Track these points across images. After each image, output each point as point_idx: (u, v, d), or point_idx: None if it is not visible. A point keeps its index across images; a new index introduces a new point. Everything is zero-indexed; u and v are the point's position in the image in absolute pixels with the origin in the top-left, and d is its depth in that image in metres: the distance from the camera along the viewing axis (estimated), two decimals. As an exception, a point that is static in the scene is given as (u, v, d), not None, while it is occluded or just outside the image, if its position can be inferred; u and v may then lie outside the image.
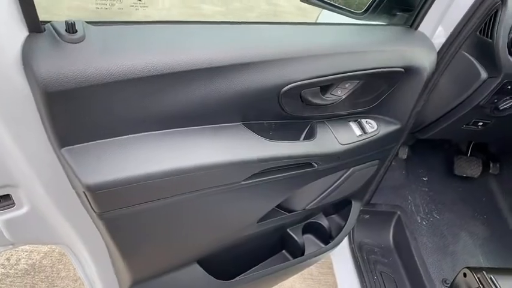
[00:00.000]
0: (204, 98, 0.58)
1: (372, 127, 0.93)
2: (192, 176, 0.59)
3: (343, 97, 0.82)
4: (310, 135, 0.82)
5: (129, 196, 0.57)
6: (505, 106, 1.06)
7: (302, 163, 0.82)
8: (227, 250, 0.91)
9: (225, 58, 0.57)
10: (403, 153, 1.55)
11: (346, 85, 0.81)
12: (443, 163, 1.67)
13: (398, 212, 1.47)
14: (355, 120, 0.93)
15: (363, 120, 0.94)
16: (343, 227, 1.24)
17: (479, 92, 1.05)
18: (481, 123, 1.16)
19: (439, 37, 1.00)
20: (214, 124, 0.63)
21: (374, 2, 0.97)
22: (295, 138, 0.83)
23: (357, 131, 0.91)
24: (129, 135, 0.55)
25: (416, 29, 0.96)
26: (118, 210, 0.59)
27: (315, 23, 0.81)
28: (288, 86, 0.66)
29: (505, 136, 1.25)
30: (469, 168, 1.61)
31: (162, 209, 0.64)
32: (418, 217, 1.54)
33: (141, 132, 0.56)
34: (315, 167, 0.84)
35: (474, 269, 1.10)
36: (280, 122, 0.77)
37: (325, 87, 0.79)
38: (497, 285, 0.99)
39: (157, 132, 0.57)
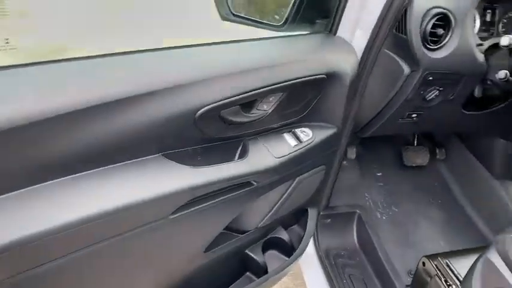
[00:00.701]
0: (107, 135, 0.55)
1: (307, 135, 0.94)
2: (106, 221, 0.55)
3: (270, 111, 0.82)
4: (243, 154, 0.81)
5: (23, 259, 0.51)
6: (431, 96, 1.11)
7: (239, 183, 0.80)
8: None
9: (121, 91, 0.54)
10: (352, 153, 1.58)
11: (270, 99, 0.81)
12: (394, 156, 1.72)
13: (358, 211, 1.48)
14: (290, 131, 0.93)
15: (298, 130, 0.94)
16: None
17: (405, 86, 1.09)
18: (414, 115, 1.20)
19: (361, 39, 1.03)
20: (128, 160, 0.60)
21: (291, 13, 0.99)
22: (230, 158, 0.81)
23: (292, 142, 0.90)
24: (21, 190, 0.51)
25: (335, 34, 0.99)
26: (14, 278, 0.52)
27: (233, 41, 0.81)
28: (203, 109, 0.65)
29: (440, 123, 1.30)
30: (418, 157, 1.67)
31: (72, 267, 0.58)
32: (377, 213, 1.56)
33: (37, 183, 0.52)
34: (254, 185, 0.83)
35: (431, 257, 1.12)
36: (207, 145, 0.75)
37: (250, 103, 0.78)
38: (452, 268, 1.02)
39: (57, 180, 0.53)
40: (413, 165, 1.67)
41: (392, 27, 1.02)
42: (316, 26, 1.02)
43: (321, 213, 1.41)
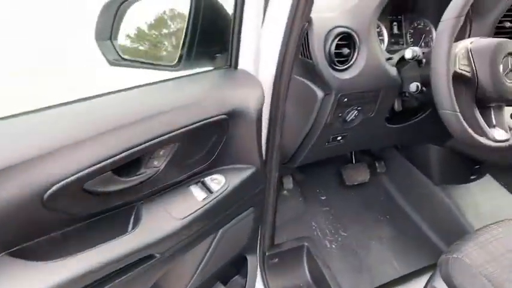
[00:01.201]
0: None
1: (219, 183, 0.82)
2: None
3: (163, 167, 0.70)
4: (135, 223, 0.68)
5: None
6: (351, 117, 1.05)
7: (136, 260, 0.66)
8: None
9: None
10: (288, 183, 1.50)
11: (161, 152, 0.69)
12: (335, 176, 1.66)
13: (306, 244, 1.38)
14: (197, 182, 0.81)
15: (208, 179, 0.82)
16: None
17: (322, 110, 1.02)
18: (339, 138, 1.14)
19: (267, 69, 0.96)
20: None
21: (184, 50, 0.89)
22: (122, 231, 0.67)
23: (201, 195, 0.79)
24: None
25: (236, 68, 0.90)
26: None
27: (108, 93, 0.69)
28: (53, 188, 0.51)
29: (368, 140, 1.26)
30: (358, 174, 1.62)
31: None
32: (326, 241, 1.47)
33: None
34: (156, 257, 0.70)
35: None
36: (86, 223, 0.61)
37: (134, 162, 0.66)
38: None
39: None
40: (355, 183, 1.62)
41: (298, 53, 0.96)
42: (217, 61, 0.93)
43: (267, 253, 1.29)
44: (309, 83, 1.02)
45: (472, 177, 1.52)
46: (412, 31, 1.20)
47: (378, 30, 1.15)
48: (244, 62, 0.91)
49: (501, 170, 1.55)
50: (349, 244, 1.47)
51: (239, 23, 0.84)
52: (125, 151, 0.60)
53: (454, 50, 0.83)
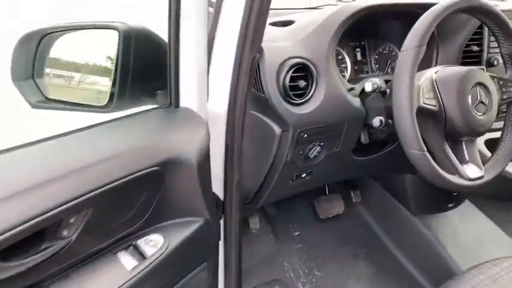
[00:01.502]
0: None
1: (156, 245, 0.70)
2: None
3: (75, 237, 0.57)
4: None
5: None
6: (314, 154, 0.95)
7: None
8: None
9: None
10: (255, 223, 1.38)
11: (71, 220, 0.57)
12: (309, 210, 1.55)
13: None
14: (129, 246, 0.68)
15: (141, 241, 0.70)
16: None
17: (281, 148, 0.92)
18: (304, 175, 1.03)
19: (216, 106, 0.86)
20: None
21: (116, 87, 0.78)
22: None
23: (131, 263, 0.66)
24: None
25: (177, 106, 0.80)
26: None
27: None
28: None
29: (336, 174, 1.16)
30: (332, 206, 1.52)
31: None
32: (299, 284, 1.35)
33: None
34: None
35: None
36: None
37: (38, 233, 0.53)
38: None
39: None
40: (330, 216, 1.51)
41: (250, 86, 0.86)
42: (158, 99, 0.83)
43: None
44: (265, 118, 0.92)
45: (449, 205, 1.44)
46: (377, 57, 1.13)
47: (340, 57, 1.07)
48: (188, 98, 0.80)
49: (480, 194, 1.48)
50: (325, 285, 1.35)
51: (175, 54, 0.74)
52: (16, 227, 0.48)
53: (418, 82, 0.75)
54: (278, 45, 0.88)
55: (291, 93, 0.86)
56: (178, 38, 0.73)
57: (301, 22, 0.99)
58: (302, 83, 0.86)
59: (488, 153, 1.14)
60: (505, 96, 0.85)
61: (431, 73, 0.78)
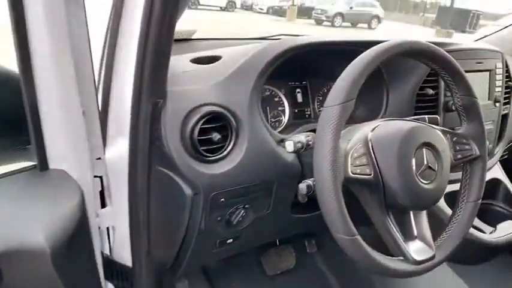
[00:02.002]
0: None
1: None
2: None
3: None
4: None
5: None
6: (237, 219, 0.78)
7: None
8: None
9: None
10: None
11: None
12: (255, 266, 1.36)
13: None
14: None
15: None
16: None
17: (194, 213, 0.75)
18: (230, 240, 0.86)
19: (120, 159, 0.69)
20: None
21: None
22: None
23: None
24: None
25: (45, 168, 0.61)
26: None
27: None
28: None
29: (271, 234, 1.00)
30: (281, 260, 1.33)
31: None
32: None
33: None
34: None
35: None
36: None
37: None
38: None
39: None
40: (279, 272, 1.32)
41: (153, 139, 0.69)
42: (20, 158, 0.64)
43: None
44: (175, 177, 0.74)
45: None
46: (321, 99, 0.99)
47: (277, 99, 0.92)
48: (60, 157, 0.62)
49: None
50: None
51: (30, 99, 0.56)
52: None
53: (346, 145, 0.60)
54: (188, 89, 0.72)
55: (202, 148, 0.69)
56: (32, 78, 0.55)
57: (227, 59, 0.84)
58: (216, 136, 0.70)
59: (448, 211, 1.01)
60: (459, 156, 0.70)
61: (366, 131, 0.63)
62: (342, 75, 0.58)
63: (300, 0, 16.67)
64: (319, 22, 14.21)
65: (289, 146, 0.69)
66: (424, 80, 0.94)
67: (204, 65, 0.83)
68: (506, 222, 1.02)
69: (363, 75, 0.57)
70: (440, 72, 0.69)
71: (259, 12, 16.23)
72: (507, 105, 1.16)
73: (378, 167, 0.60)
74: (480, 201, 0.74)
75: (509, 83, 1.13)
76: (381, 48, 0.60)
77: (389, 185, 0.61)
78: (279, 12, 15.50)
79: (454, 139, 0.71)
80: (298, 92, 0.96)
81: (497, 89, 1.08)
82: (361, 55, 0.59)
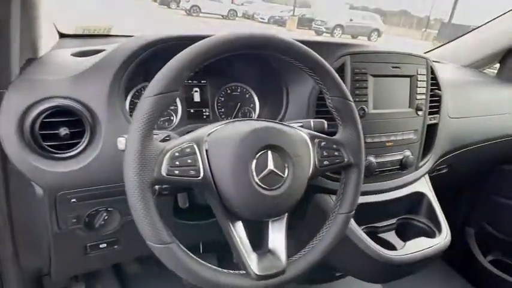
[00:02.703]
0: None
1: None
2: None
3: None
4: None
5: None
6: (100, 222, 0.73)
7: None
8: None
9: None
10: None
11: None
12: (176, 275, 1.29)
13: None
14: None
15: None
16: None
17: (46, 214, 0.69)
18: (104, 245, 0.80)
19: None
20: None
21: None
22: None
23: None
24: None
25: None
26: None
27: None
28: None
29: None
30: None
31: None
32: None
33: None
34: None
35: None
36: None
37: None
38: None
39: None
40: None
41: None
42: None
43: None
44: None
45: (337, 274, 1.22)
46: (222, 99, 0.93)
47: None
48: None
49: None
50: None
51: None
52: None
53: (165, 145, 0.53)
54: (38, 79, 0.67)
55: (48, 144, 0.64)
56: None
57: (109, 51, 0.79)
58: (63, 131, 0.64)
59: None
60: (325, 162, 0.64)
61: (204, 131, 0.57)
62: (167, 64, 0.53)
63: (300, 11, 16.76)
64: (319, 33, 14.25)
65: (120, 143, 0.64)
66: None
67: (77, 58, 0.78)
68: (417, 240, 0.95)
69: (185, 68, 0.52)
70: (305, 70, 0.63)
71: (261, 22, 16.32)
72: (436, 115, 1.10)
73: (211, 169, 0.54)
74: (352, 213, 0.68)
75: (437, 91, 1.07)
76: (220, 38, 0.54)
77: (223, 190, 0.55)
78: (279, 22, 15.60)
79: (323, 144, 0.65)
80: (196, 91, 0.91)
81: (419, 97, 1.02)
82: (192, 46, 0.54)
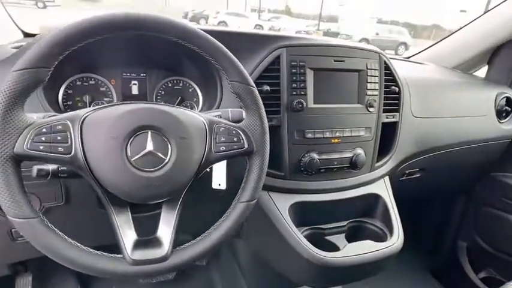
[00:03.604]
0: None
1: None
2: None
3: None
4: None
5: None
6: None
7: None
8: None
9: None
10: None
11: None
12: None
13: None
14: None
15: None
16: None
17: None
18: None
19: None
20: None
21: None
22: None
23: None
24: None
25: None
26: None
27: None
28: None
29: None
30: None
31: None
32: None
33: None
34: None
35: None
36: None
37: None
38: None
39: None
40: (156, 280, 1.24)
41: None
42: None
43: None
44: None
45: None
46: (162, 93, 0.94)
47: (103, 89, 0.89)
48: None
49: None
50: None
51: None
52: None
53: (36, 121, 0.54)
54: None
55: None
56: None
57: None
58: None
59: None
60: (222, 148, 0.62)
61: (79, 112, 0.56)
62: (41, 40, 0.53)
63: (327, 25, 16.78)
64: (344, 47, 14.13)
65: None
66: (260, 75, 0.87)
67: (13, 49, 0.81)
68: (362, 242, 0.89)
69: (55, 45, 0.52)
70: (203, 54, 0.62)
71: (286, 37, 16.45)
72: (395, 113, 1.04)
73: (83, 148, 0.54)
74: (253, 202, 0.65)
75: (394, 87, 1.02)
76: (87, 21, 0.54)
77: (97, 171, 0.54)
78: (305, 36, 15.65)
79: (221, 130, 0.63)
80: (134, 84, 0.92)
81: (370, 92, 0.97)
82: (68, 24, 0.54)
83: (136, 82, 0.92)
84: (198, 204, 0.78)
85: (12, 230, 0.80)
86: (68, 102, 0.86)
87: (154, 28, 0.57)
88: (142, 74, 0.92)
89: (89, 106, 0.86)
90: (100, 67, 0.88)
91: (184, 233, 0.65)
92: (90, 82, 0.88)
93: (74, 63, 0.84)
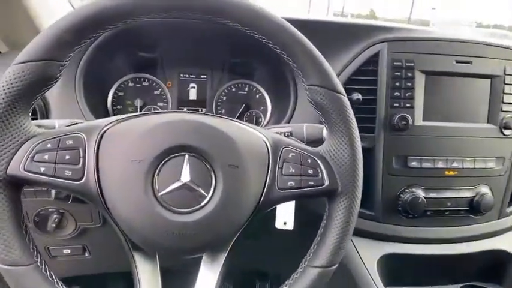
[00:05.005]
0: None
1: None
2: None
3: None
4: None
5: None
6: (51, 224, 0.64)
7: None
8: None
9: None
10: None
11: None
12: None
13: None
14: None
15: None
16: None
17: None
18: (68, 251, 0.71)
19: None
20: None
21: None
22: None
23: None
24: None
25: None
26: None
27: None
28: None
29: None
30: None
31: None
32: None
33: None
34: None
35: None
36: None
37: None
38: None
39: None
40: None
41: None
42: None
43: None
44: None
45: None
46: (224, 98, 0.78)
47: (158, 92, 0.75)
48: None
49: None
50: None
51: None
52: None
53: (39, 133, 0.39)
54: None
55: None
56: None
57: None
58: None
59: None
60: (291, 184, 0.42)
61: (98, 123, 0.40)
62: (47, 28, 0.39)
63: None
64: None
65: None
66: (348, 79, 0.65)
67: None
68: None
69: (62, 31, 0.37)
70: (272, 47, 0.43)
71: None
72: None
73: (97, 173, 0.39)
74: (332, 268, 0.43)
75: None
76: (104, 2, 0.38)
77: (113, 207, 0.39)
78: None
79: (291, 155, 0.43)
80: (193, 87, 0.77)
81: (506, 108, 0.69)
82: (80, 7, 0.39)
83: (195, 85, 0.77)
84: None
85: (50, 248, 0.71)
86: (118, 107, 0.75)
87: (210, 12, 0.40)
88: (203, 76, 0.77)
89: (140, 111, 0.73)
90: (156, 66, 0.75)
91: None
92: (144, 84, 0.75)
93: (127, 60, 0.73)
